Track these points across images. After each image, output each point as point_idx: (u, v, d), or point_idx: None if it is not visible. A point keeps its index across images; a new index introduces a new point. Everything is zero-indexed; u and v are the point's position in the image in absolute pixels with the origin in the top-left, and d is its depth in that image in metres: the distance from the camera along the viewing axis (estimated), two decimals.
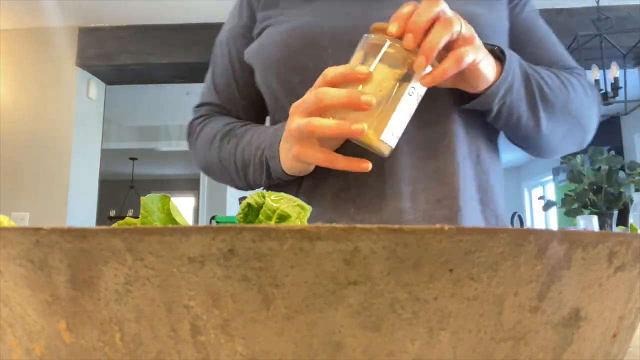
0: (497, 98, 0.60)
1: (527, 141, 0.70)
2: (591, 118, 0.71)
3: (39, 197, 2.88)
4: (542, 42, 0.75)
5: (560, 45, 0.77)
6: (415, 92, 0.52)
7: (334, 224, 0.16)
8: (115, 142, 5.16)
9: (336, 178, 0.64)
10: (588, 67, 2.43)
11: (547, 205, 2.64)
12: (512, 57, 0.60)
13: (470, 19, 0.58)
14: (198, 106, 0.81)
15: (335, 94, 0.49)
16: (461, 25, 0.52)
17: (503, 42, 0.69)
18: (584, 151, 2.64)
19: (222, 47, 0.79)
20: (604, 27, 2.49)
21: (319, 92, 0.50)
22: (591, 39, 2.50)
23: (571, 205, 2.36)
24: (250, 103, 0.77)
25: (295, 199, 0.31)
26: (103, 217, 6.89)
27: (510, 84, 0.60)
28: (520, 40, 0.73)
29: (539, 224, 6.77)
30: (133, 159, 6.68)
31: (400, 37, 0.51)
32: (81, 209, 2.96)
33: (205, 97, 0.80)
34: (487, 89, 0.59)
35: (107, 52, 3.05)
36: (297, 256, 0.16)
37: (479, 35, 0.58)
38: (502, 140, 0.75)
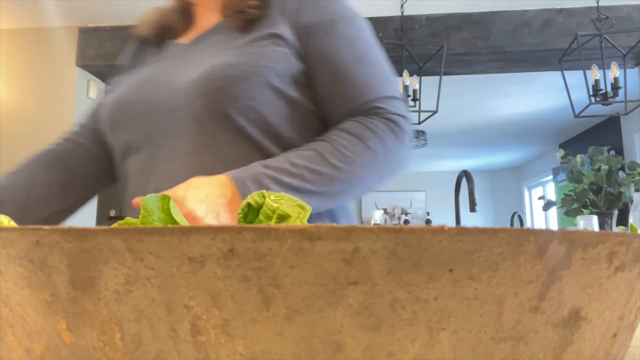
0: None
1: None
2: (385, 171, 0.66)
3: None
4: (334, 80, 0.67)
5: (369, 74, 0.68)
6: None
7: (334, 224, 0.16)
8: None
9: None
10: (588, 67, 2.43)
11: (547, 205, 2.64)
12: (244, 190, 0.58)
13: (219, 73, 0.61)
14: None
15: None
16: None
17: (263, 86, 0.66)
18: (584, 151, 2.64)
19: None
20: (604, 27, 2.49)
21: None
22: (591, 39, 2.50)
23: (571, 205, 2.36)
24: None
25: (295, 199, 0.31)
26: (103, 217, 6.88)
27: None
28: (314, 78, 0.68)
29: (539, 224, 6.77)
30: None
31: None
32: (81, 209, 2.96)
33: None
34: None
35: (107, 52, 3.05)
36: (297, 256, 0.16)
37: (233, 89, 0.62)
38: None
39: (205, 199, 0.56)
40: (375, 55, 0.70)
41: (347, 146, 0.63)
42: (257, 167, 0.61)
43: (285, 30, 0.68)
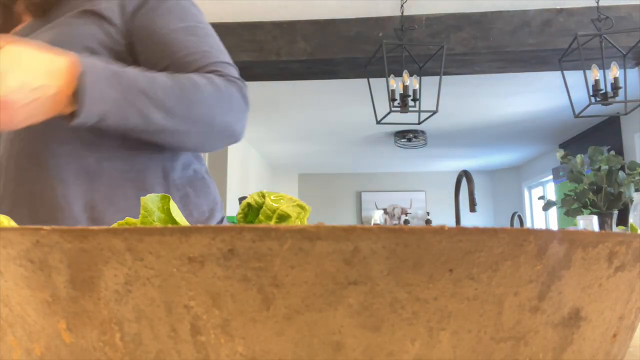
0: (89, 121, 0.58)
1: (164, 139, 0.69)
2: (228, 114, 0.71)
3: None
4: (160, 46, 0.71)
5: (202, 43, 0.74)
6: None
7: (334, 224, 0.16)
8: None
9: None
10: (588, 67, 2.43)
11: (547, 205, 2.64)
12: (91, 81, 0.57)
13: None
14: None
15: None
16: None
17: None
18: (584, 151, 2.63)
19: None
20: (604, 27, 2.49)
21: None
22: (591, 39, 2.50)
23: (571, 205, 2.36)
24: None
25: (295, 199, 0.31)
26: None
27: (102, 105, 0.58)
28: (141, 51, 0.72)
29: (539, 224, 6.77)
30: None
31: None
32: None
33: None
34: (74, 115, 0.57)
35: None
36: (297, 256, 0.16)
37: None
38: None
39: (29, 83, 0.53)
40: (205, 30, 0.76)
41: (193, 81, 0.67)
42: (110, 65, 0.60)
43: (102, 4, 0.70)
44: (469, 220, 6.68)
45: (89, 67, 0.58)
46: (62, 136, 0.68)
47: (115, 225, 0.24)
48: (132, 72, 0.63)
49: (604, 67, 2.36)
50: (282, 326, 0.17)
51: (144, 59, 0.72)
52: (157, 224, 0.26)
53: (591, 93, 2.40)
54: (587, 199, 2.33)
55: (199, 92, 0.67)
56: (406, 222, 7.45)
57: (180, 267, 0.17)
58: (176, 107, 0.65)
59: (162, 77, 0.65)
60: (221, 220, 0.80)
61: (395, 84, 2.61)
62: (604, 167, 2.31)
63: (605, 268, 0.20)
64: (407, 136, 5.31)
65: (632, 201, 2.19)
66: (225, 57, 0.75)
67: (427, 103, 2.87)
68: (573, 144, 5.58)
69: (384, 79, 2.67)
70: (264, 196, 0.30)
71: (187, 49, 0.71)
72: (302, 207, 0.30)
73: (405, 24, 2.76)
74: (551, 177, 6.11)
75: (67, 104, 0.57)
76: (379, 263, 0.16)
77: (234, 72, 0.74)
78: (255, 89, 3.98)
